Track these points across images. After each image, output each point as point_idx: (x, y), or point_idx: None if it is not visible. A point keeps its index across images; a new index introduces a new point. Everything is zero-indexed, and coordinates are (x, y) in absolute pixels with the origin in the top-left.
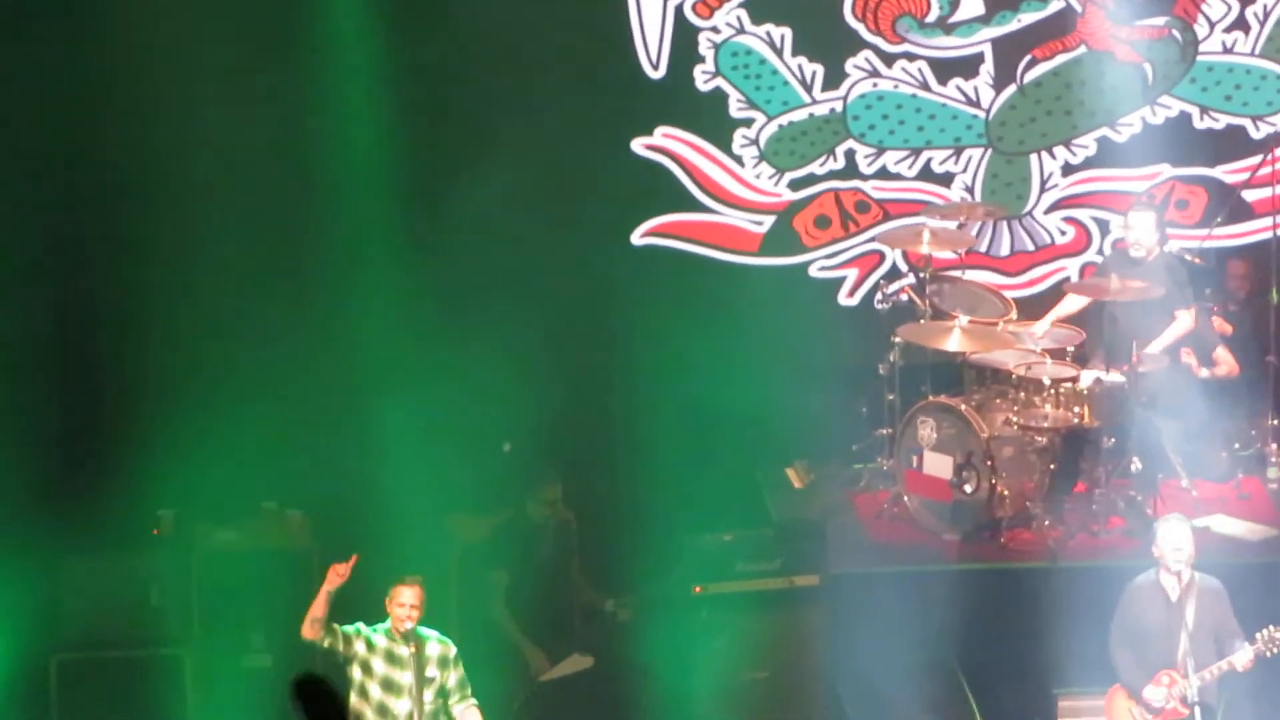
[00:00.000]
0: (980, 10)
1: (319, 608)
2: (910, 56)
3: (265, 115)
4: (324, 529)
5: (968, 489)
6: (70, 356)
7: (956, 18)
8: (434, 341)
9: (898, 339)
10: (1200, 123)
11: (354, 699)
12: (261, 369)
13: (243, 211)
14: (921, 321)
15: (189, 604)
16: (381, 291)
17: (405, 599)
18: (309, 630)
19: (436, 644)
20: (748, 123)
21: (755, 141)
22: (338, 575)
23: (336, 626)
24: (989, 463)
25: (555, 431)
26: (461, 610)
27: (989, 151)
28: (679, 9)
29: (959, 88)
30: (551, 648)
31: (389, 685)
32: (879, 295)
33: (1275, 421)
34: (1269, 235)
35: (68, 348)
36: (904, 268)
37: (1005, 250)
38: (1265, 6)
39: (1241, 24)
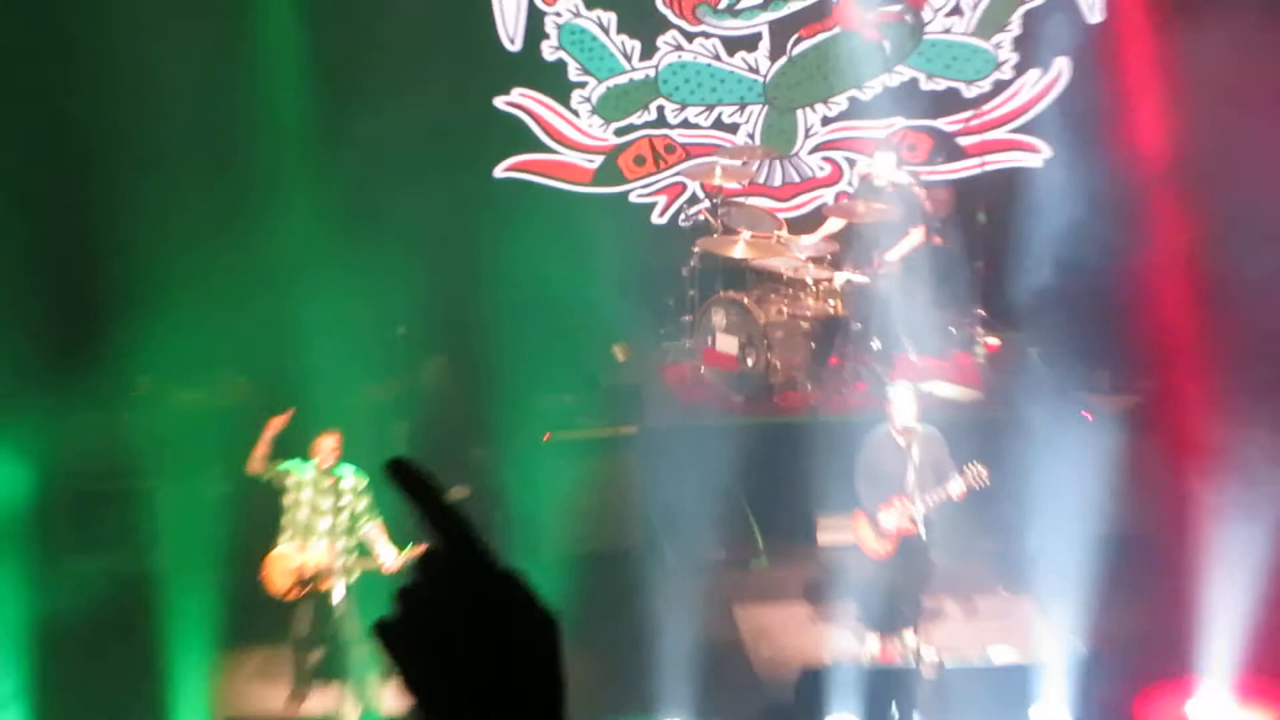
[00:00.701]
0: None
1: (261, 449)
2: (706, 35)
3: (222, 66)
4: (265, 391)
5: (749, 362)
6: (68, 261)
7: (741, 5)
8: (344, 248)
9: (697, 249)
10: (925, 86)
11: (285, 519)
12: (216, 265)
13: (200, 141)
14: (714, 235)
15: (160, 448)
16: (306, 207)
17: (327, 445)
18: (254, 466)
19: (351, 477)
20: (582, 85)
21: (589, 99)
22: (276, 425)
23: (275, 463)
24: (765, 342)
25: (439, 320)
26: (371, 453)
27: (765, 107)
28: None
29: (743, 59)
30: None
31: (314, 508)
32: (682, 216)
33: (980, 311)
34: (976, 171)
35: (67, 252)
36: (701, 195)
37: (778, 182)
38: None
39: (957, 10)
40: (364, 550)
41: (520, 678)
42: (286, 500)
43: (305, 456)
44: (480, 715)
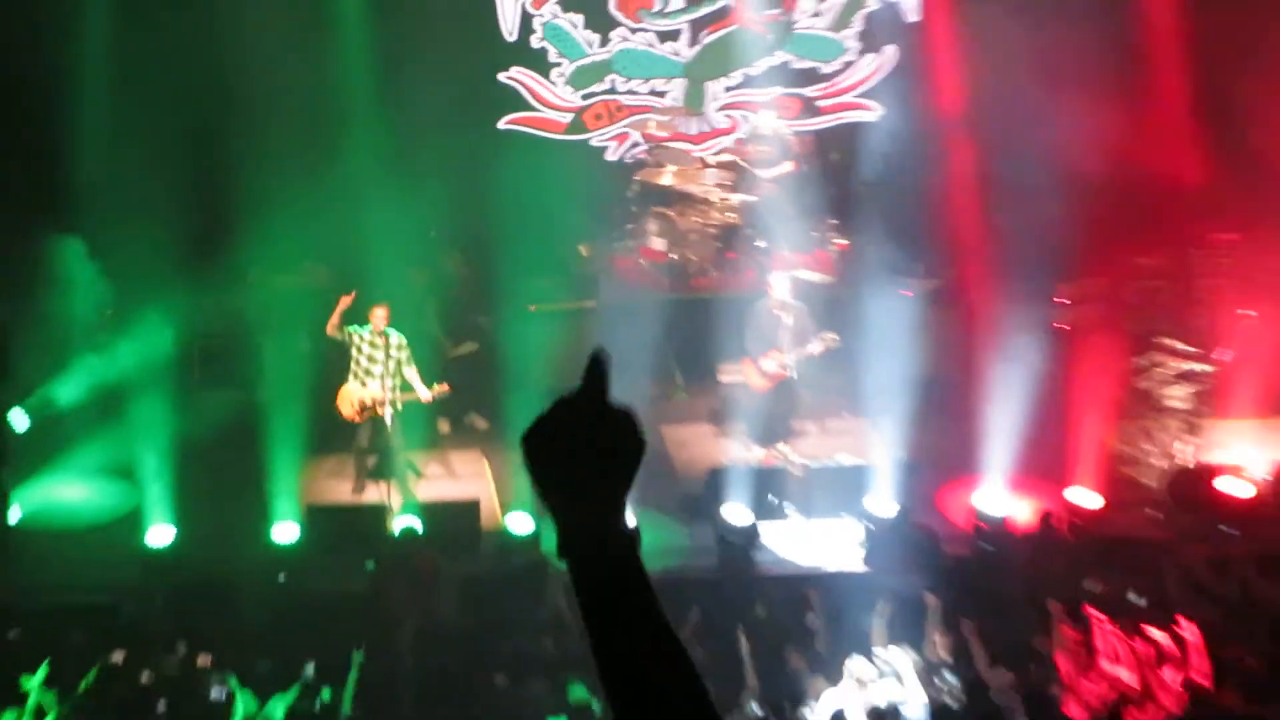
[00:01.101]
0: (682, 5)
1: (335, 317)
2: (645, 30)
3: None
4: (337, 276)
5: (673, 256)
6: (203, 185)
7: (669, 9)
8: (393, 176)
9: (637, 177)
10: (796, 65)
11: (350, 366)
12: (303, 189)
13: (293, 99)
14: (649, 168)
15: (265, 316)
16: (367, 147)
17: (379, 314)
18: (330, 329)
19: (396, 336)
20: (559, 65)
21: (563, 74)
22: (345, 302)
23: (344, 328)
24: (684, 242)
25: (458, 225)
26: (410, 319)
27: (685, 80)
28: (523, 5)
29: (670, 47)
30: (456, 340)
31: (371, 358)
32: (628, 155)
33: (832, 220)
34: (831, 124)
35: (203, 179)
36: (641, 141)
37: (694, 131)
38: (830, 2)
39: (818, 13)
40: (405, 387)
41: (613, 471)
42: (351, 352)
43: (364, 321)
44: (577, 492)
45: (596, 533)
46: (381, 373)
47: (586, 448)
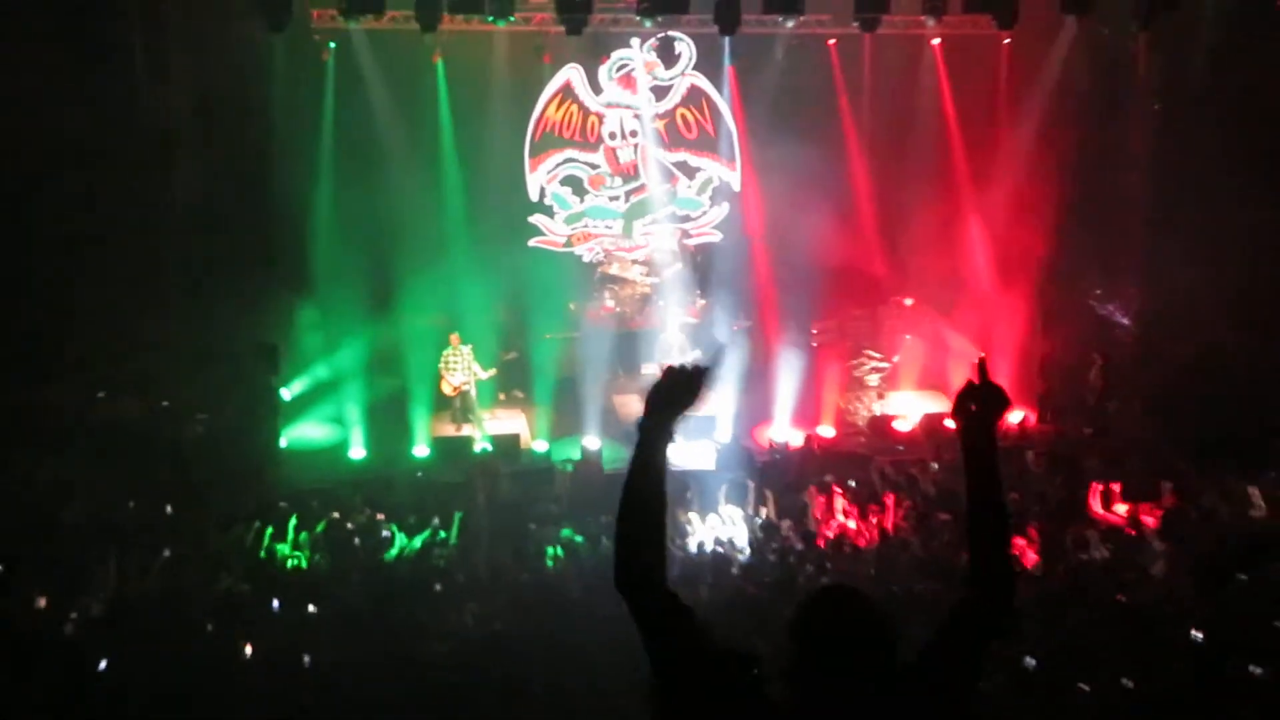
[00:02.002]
0: (621, 184)
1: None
2: (601, 195)
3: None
4: (447, 320)
5: (617, 309)
6: (374, 246)
7: (614, 187)
8: (473, 267)
9: (599, 270)
10: (679, 212)
11: (442, 369)
12: (429, 274)
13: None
14: (605, 264)
15: (412, 340)
16: (460, 251)
17: (454, 338)
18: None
19: (467, 350)
20: (559, 212)
21: (561, 218)
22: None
23: (444, 355)
24: (623, 301)
25: (507, 294)
26: (483, 340)
27: (624, 220)
28: (540, 184)
29: (615, 204)
30: (505, 350)
31: (451, 364)
32: (595, 258)
33: (699, 290)
34: (697, 242)
35: (374, 238)
36: (601, 253)
37: (628, 246)
38: (696, 181)
39: (689, 187)
40: (475, 377)
41: (673, 406)
42: (440, 362)
43: (448, 344)
44: (653, 409)
45: (647, 426)
46: (460, 369)
47: (667, 392)
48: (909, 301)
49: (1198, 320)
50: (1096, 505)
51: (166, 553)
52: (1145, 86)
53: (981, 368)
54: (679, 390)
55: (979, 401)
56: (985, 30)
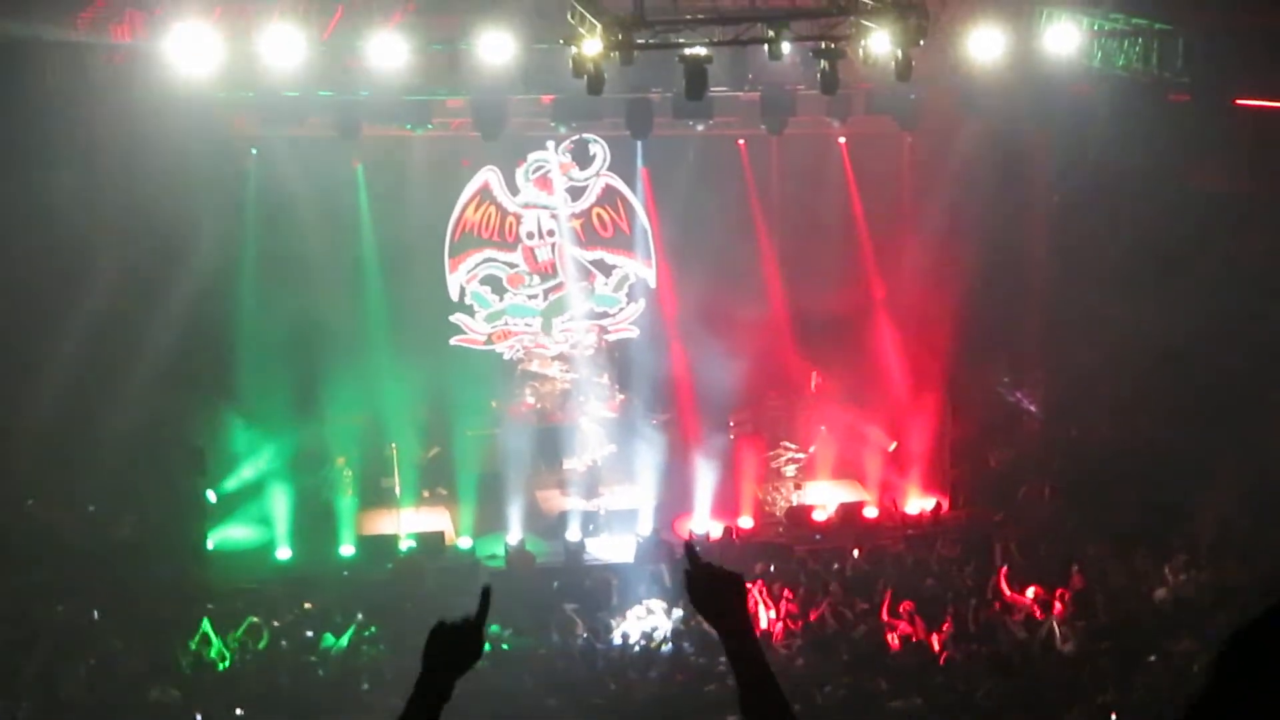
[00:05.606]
0: (539, 283)
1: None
2: (520, 294)
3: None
4: (371, 421)
5: (537, 405)
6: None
7: (533, 285)
8: (396, 366)
9: (520, 367)
10: (596, 309)
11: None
12: (356, 373)
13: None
14: (525, 361)
15: (336, 440)
16: (382, 349)
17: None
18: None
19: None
20: (479, 311)
21: (482, 317)
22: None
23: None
24: (542, 397)
25: (431, 392)
26: (406, 439)
27: (542, 318)
28: (460, 284)
29: (535, 302)
30: (428, 448)
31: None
32: (515, 355)
33: (618, 385)
34: (615, 339)
35: (298, 337)
36: (521, 350)
37: (547, 343)
38: (612, 279)
39: (606, 283)
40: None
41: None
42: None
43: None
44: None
45: (427, 684)
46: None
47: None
48: (815, 379)
49: (1100, 405)
50: (1005, 588)
51: (91, 661)
52: (1044, 179)
53: (689, 550)
54: (458, 649)
55: (712, 591)
56: (890, 129)
